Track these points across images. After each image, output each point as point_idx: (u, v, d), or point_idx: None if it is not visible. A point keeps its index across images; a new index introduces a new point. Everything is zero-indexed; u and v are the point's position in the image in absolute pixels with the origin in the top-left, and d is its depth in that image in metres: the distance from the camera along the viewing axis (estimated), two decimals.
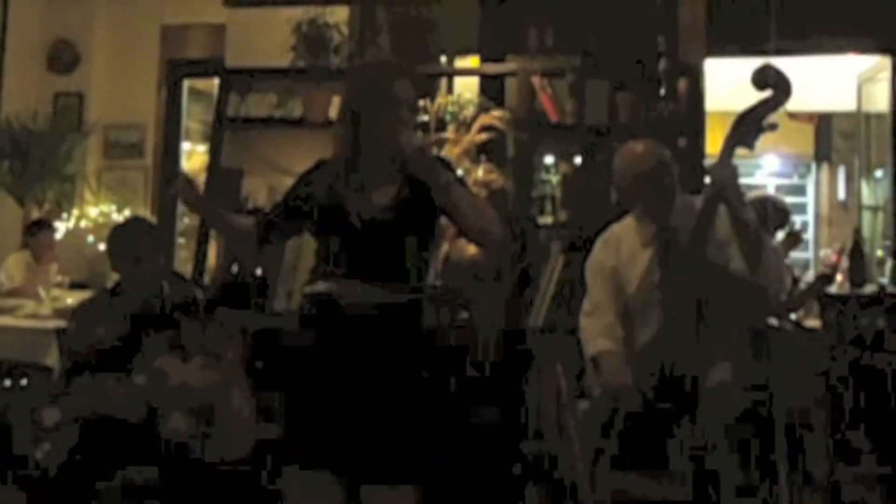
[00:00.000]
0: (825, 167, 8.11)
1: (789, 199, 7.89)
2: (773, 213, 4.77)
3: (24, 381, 3.67)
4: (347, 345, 2.26)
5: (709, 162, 4.39)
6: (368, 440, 2.21)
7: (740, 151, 2.73)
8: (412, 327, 2.32)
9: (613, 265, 2.99)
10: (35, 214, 5.50)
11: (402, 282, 2.29)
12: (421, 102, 4.21)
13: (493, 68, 4.58)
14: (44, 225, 5.24)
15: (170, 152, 6.18)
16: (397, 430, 2.22)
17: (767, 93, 2.69)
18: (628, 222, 3.04)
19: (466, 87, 4.67)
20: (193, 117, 6.57)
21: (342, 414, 2.23)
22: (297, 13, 4.60)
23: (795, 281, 4.40)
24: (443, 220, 2.38)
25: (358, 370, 2.25)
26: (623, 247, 2.99)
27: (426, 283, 2.38)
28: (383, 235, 2.27)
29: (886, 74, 5.06)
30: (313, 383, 2.28)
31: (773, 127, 2.71)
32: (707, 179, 2.94)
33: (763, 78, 2.67)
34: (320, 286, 2.32)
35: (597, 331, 2.95)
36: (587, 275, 3.07)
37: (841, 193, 7.74)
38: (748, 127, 2.70)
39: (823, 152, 8.06)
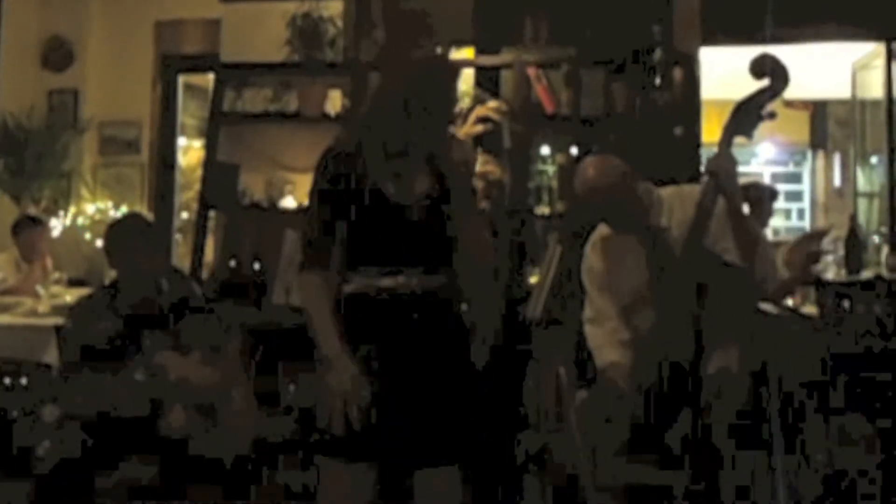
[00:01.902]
0: (821, 154, 8.12)
1: (785, 187, 7.94)
2: (763, 197, 4.78)
3: (23, 381, 3.68)
4: (408, 335, 2.29)
5: (704, 150, 4.42)
6: (428, 427, 2.24)
7: (737, 140, 2.73)
8: (455, 312, 2.39)
9: (603, 268, 2.98)
10: (32, 212, 5.49)
11: (445, 267, 2.33)
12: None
13: (488, 60, 4.58)
14: (28, 223, 5.19)
15: (165, 148, 6.16)
16: (454, 414, 2.27)
17: (765, 82, 2.69)
18: None
19: (462, 79, 4.67)
20: (189, 113, 6.56)
21: (403, 404, 2.24)
22: (292, 7, 4.60)
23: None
24: None
25: (419, 359, 2.28)
26: (610, 249, 2.98)
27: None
28: (424, 223, 2.29)
29: (881, 62, 5.07)
30: (381, 377, 2.26)
31: (771, 116, 2.72)
32: (703, 170, 2.93)
33: (761, 67, 2.67)
34: (364, 281, 2.30)
35: (602, 340, 2.95)
36: (583, 280, 3.07)
37: (837, 180, 7.76)
38: (746, 116, 2.71)
39: (819, 140, 8.08)
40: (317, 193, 2.38)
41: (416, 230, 2.29)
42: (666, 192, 2.94)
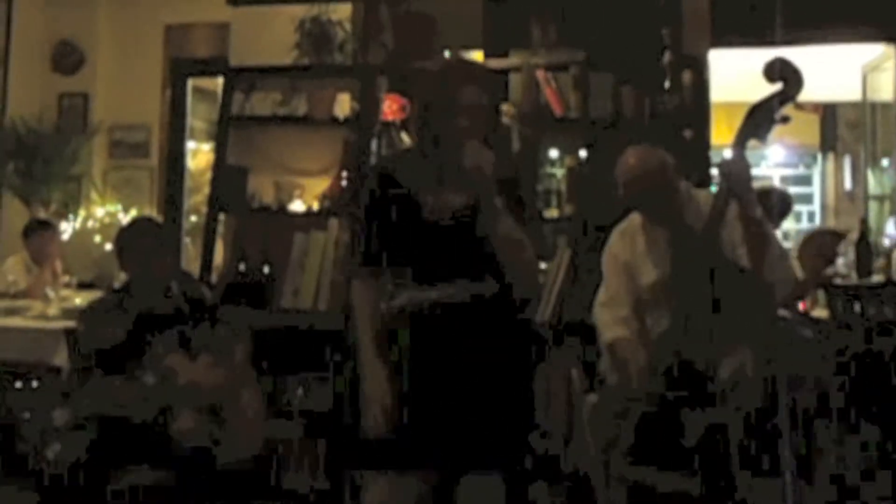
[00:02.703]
0: (831, 157, 8.08)
1: (795, 190, 7.91)
2: (778, 203, 4.77)
3: (34, 384, 3.69)
4: (453, 345, 2.27)
5: (714, 153, 4.41)
6: (477, 433, 2.23)
7: (748, 143, 2.72)
8: (508, 318, 2.34)
9: (627, 258, 3.00)
10: (42, 215, 5.51)
11: (492, 275, 2.29)
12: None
13: (496, 63, 4.57)
14: (38, 226, 5.22)
15: (175, 151, 6.18)
16: (505, 420, 2.26)
17: (778, 85, 2.68)
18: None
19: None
20: (198, 116, 6.57)
21: (454, 413, 2.23)
22: (301, 11, 4.61)
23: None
24: None
25: (465, 368, 2.26)
26: (638, 240, 3.00)
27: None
28: (464, 235, 2.26)
29: (891, 64, 5.05)
30: (433, 387, 2.27)
31: (784, 119, 2.71)
32: (716, 173, 2.93)
33: (774, 70, 2.66)
34: (413, 294, 2.29)
35: (612, 320, 2.97)
36: (603, 265, 3.08)
37: (847, 183, 7.72)
38: (760, 120, 2.70)
39: (829, 142, 8.04)
40: (363, 208, 2.41)
41: (455, 242, 2.27)
42: (701, 194, 2.96)
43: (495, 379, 2.28)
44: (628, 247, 3.01)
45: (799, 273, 2.96)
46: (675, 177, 2.89)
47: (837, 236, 4.27)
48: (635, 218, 3.05)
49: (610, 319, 2.97)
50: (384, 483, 2.29)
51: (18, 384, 3.60)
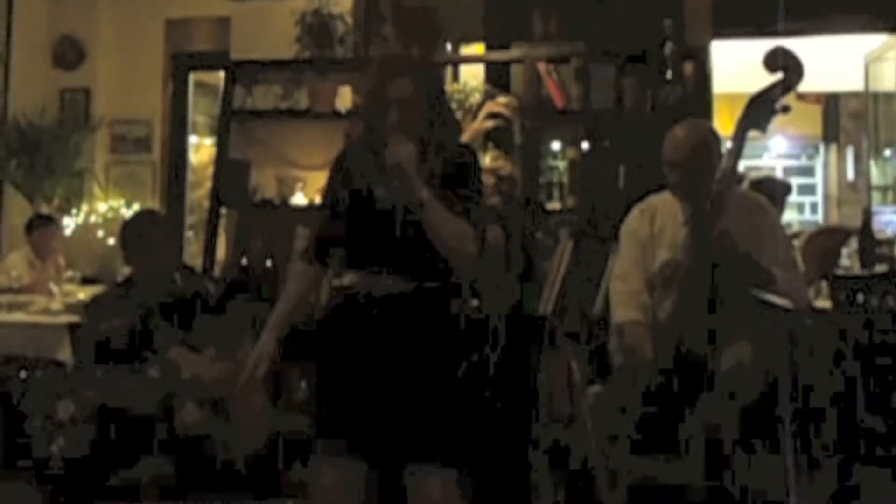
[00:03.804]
0: (833, 148, 8.07)
1: (798, 181, 7.90)
2: (777, 191, 4.76)
3: (37, 378, 3.69)
4: (378, 335, 2.30)
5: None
6: (401, 423, 2.25)
7: (749, 134, 2.72)
8: (439, 313, 2.34)
9: (645, 235, 3.02)
10: (44, 210, 5.51)
11: (430, 269, 2.31)
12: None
13: (498, 55, 4.58)
14: (41, 222, 5.23)
15: (177, 146, 6.18)
16: (430, 411, 2.26)
17: (778, 75, 2.68)
18: (667, 196, 3.05)
19: (472, 75, 4.66)
20: (200, 110, 6.57)
21: (372, 401, 2.26)
22: (302, 4, 4.60)
23: None
24: None
25: (388, 358, 2.28)
26: (658, 219, 3.02)
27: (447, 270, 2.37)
28: (409, 226, 2.27)
29: (894, 54, 5.04)
30: (346, 374, 2.31)
31: (785, 109, 2.71)
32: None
33: (774, 60, 2.66)
34: (350, 278, 2.34)
35: (625, 297, 2.99)
36: (621, 238, 3.11)
37: (850, 174, 7.71)
38: (760, 110, 2.70)
39: (831, 133, 8.03)
40: (322, 192, 2.48)
41: (400, 233, 2.28)
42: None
43: (420, 371, 2.29)
44: (647, 224, 3.04)
45: (802, 268, 2.97)
46: (719, 151, 2.89)
47: (845, 234, 4.26)
48: (657, 198, 3.08)
49: (624, 295, 3.00)
50: (332, 467, 2.31)
51: (22, 377, 3.60)
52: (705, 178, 2.86)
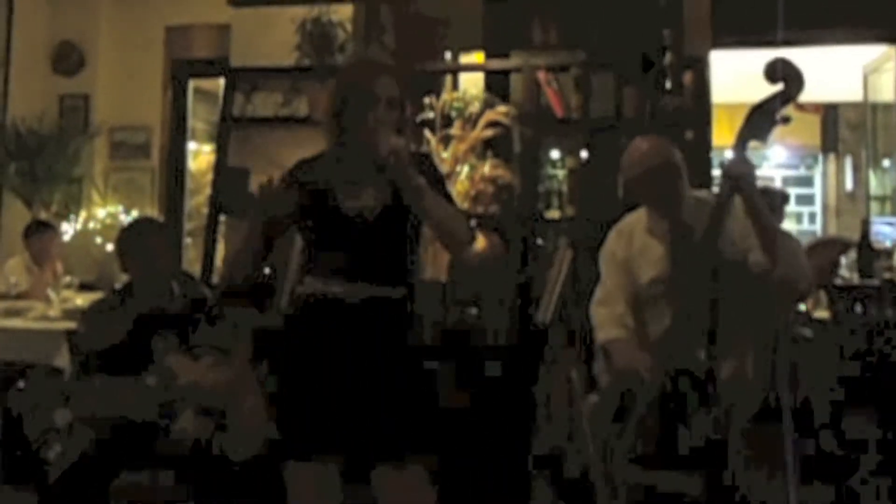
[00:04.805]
0: (832, 158, 8.08)
1: (797, 191, 7.91)
2: (774, 201, 4.76)
3: (35, 385, 3.68)
4: (344, 341, 2.32)
5: (715, 154, 4.40)
6: (369, 425, 2.28)
7: (749, 144, 2.72)
8: (402, 321, 2.38)
9: (625, 256, 2.99)
10: (43, 216, 5.51)
11: (391, 277, 2.35)
12: (427, 100, 4.23)
13: (497, 64, 4.58)
14: (39, 228, 5.23)
15: (176, 153, 6.18)
16: (397, 414, 2.30)
17: (779, 86, 2.68)
18: (642, 214, 3.03)
19: (471, 84, 4.67)
20: (199, 117, 6.57)
21: (339, 405, 2.28)
22: (302, 12, 4.61)
23: None
24: None
25: (355, 363, 2.31)
26: (636, 238, 2.99)
27: (416, 277, 2.44)
28: (372, 234, 2.32)
29: (892, 65, 5.05)
30: (314, 378, 2.33)
31: (785, 120, 2.71)
32: (719, 174, 2.92)
33: (775, 71, 2.66)
34: (316, 285, 2.37)
35: (608, 319, 2.96)
36: (601, 263, 3.08)
37: (848, 184, 7.72)
38: (761, 120, 2.69)
39: (830, 143, 8.04)
40: (273, 203, 2.49)
41: (365, 241, 2.32)
42: (701, 194, 2.96)
43: (385, 374, 2.32)
44: (626, 245, 3.01)
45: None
46: (683, 166, 2.89)
47: (844, 244, 4.26)
48: (633, 217, 3.05)
49: (605, 317, 2.97)
50: (306, 468, 2.32)
51: (19, 385, 3.59)
52: (672, 188, 2.86)
